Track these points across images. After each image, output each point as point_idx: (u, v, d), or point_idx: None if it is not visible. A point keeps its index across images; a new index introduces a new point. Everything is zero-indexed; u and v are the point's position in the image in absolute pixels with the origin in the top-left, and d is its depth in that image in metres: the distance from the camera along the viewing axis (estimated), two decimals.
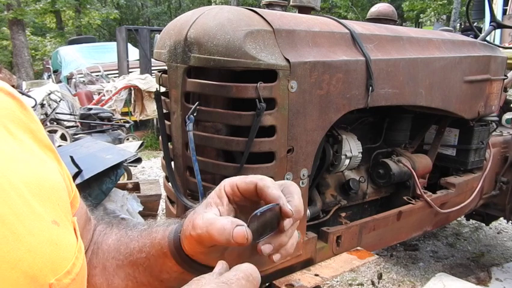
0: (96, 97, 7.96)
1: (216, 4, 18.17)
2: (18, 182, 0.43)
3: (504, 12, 6.89)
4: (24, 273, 0.38)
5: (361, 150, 1.65)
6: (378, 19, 1.87)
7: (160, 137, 1.51)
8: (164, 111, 1.44)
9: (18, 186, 0.42)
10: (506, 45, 3.78)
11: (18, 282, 0.38)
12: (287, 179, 1.31)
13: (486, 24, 6.62)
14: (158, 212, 3.19)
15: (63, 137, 5.44)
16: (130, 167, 4.01)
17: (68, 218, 0.50)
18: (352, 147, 1.61)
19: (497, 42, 5.45)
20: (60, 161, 0.57)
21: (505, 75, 2.31)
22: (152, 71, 7.98)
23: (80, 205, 0.64)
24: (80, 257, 0.48)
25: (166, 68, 1.38)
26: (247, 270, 0.45)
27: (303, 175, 1.36)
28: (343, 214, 1.69)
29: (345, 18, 17.16)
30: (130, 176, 3.79)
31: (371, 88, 1.45)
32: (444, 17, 19.89)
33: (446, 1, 17.43)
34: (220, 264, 0.48)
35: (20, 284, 0.38)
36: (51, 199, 0.47)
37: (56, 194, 0.48)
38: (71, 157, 2.40)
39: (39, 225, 0.42)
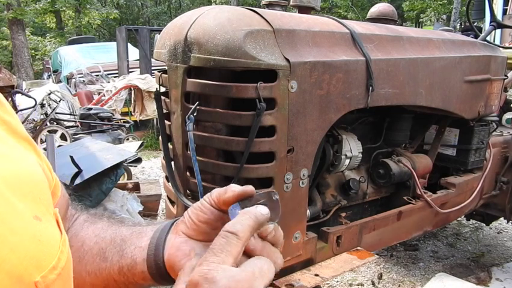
0: (96, 97, 7.96)
1: (216, 4, 18.17)
2: None
3: (504, 12, 6.89)
4: (9, 273, 0.38)
5: (361, 150, 1.65)
6: (378, 19, 1.87)
7: (160, 137, 1.51)
8: (164, 111, 1.44)
9: None
10: (506, 45, 3.78)
11: (3, 283, 0.37)
12: (287, 179, 1.31)
13: (486, 24, 6.62)
14: (158, 212, 3.19)
15: (63, 137, 5.44)
16: (130, 167, 4.01)
17: (50, 211, 0.49)
18: (352, 147, 1.61)
19: (497, 42, 5.45)
20: (38, 151, 0.56)
21: (505, 75, 2.31)
22: (152, 71, 7.97)
23: (62, 193, 0.63)
24: (65, 250, 0.47)
25: (166, 68, 1.38)
26: (225, 229, 0.49)
27: (303, 175, 1.36)
28: (343, 214, 1.69)
29: (345, 18, 17.16)
30: (130, 176, 3.79)
31: (371, 88, 1.45)
32: (444, 17, 19.89)
33: (446, 1, 17.44)
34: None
35: (5, 285, 0.37)
36: (32, 193, 0.46)
37: (37, 187, 0.47)
38: (71, 157, 2.40)
39: (21, 222, 0.41)
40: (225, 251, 0.46)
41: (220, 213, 0.57)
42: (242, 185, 0.56)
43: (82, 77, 9.46)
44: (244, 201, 0.55)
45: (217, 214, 0.57)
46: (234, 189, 0.55)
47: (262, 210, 0.52)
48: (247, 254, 0.50)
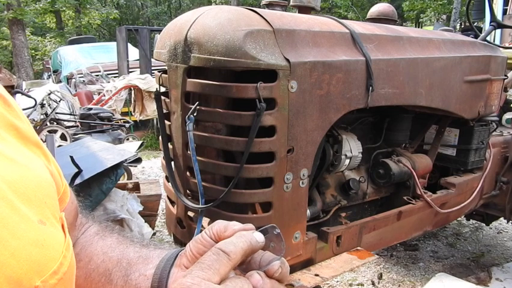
0: (96, 97, 7.96)
1: (216, 4, 18.17)
2: (1, 182, 0.42)
3: (504, 12, 6.89)
4: (8, 278, 0.38)
5: (361, 150, 1.65)
6: (378, 19, 1.87)
7: (160, 137, 1.51)
8: (164, 111, 1.44)
9: (1, 187, 0.41)
10: (506, 45, 3.79)
11: (2, 287, 0.37)
12: (287, 179, 1.31)
13: (486, 24, 6.62)
14: (158, 212, 3.19)
15: (63, 137, 5.44)
16: (130, 167, 4.01)
17: (55, 216, 0.49)
18: (352, 147, 1.61)
19: (497, 42, 5.45)
20: (49, 157, 0.56)
21: (505, 75, 2.31)
22: (152, 71, 7.98)
23: (70, 200, 0.63)
24: (68, 255, 0.47)
25: (166, 68, 1.38)
26: (218, 246, 0.49)
27: (303, 175, 1.35)
28: (343, 214, 1.69)
29: (345, 18, 17.16)
30: (130, 176, 3.79)
31: (371, 88, 1.45)
32: (444, 17, 19.91)
33: (446, 1, 17.45)
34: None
35: None
36: (38, 197, 0.46)
37: (43, 191, 0.47)
38: (71, 157, 2.40)
39: (24, 226, 0.41)
40: (213, 268, 0.47)
41: None
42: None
43: (82, 77, 9.46)
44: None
45: None
46: (233, 227, 0.55)
47: (257, 237, 0.52)
48: None
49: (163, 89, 1.45)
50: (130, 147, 4.19)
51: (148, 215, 2.90)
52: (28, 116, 5.39)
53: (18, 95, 5.44)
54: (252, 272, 0.51)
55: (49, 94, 6.32)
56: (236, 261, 0.49)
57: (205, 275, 0.46)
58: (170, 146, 1.44)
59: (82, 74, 9.59)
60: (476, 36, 2.79)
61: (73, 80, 9.54)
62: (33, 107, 5.60)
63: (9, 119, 0.50)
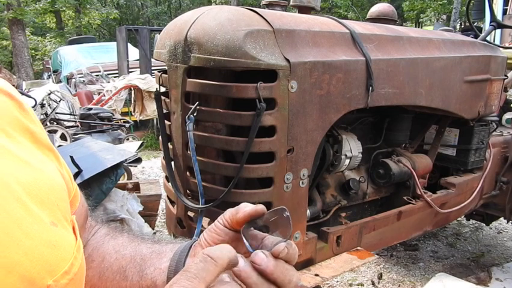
0: (96, 97, 7.96)
1: (216, 4, 18.17)
2: (15, 184, 0.43)
3: (504, 12, 6.89)
4: (22, 276, 0.39)
5: (361, 150, 1.65)
6: (378, 19, 1.87)
7: (160, 137, 1.51)
8: (164, 111, 1.44)
9: (15, 188, 0.42)
10: (506, 45, 3.79)
11: (15, 285, 0.38)
12: (287, 179, 1.31)
13: (486, 24, 6.62)
14: (158, 212, 3.19)
15: (63, 137, 5.44)
16: (130, 167, 4.01)
17: (67, 218, 0.50)
18: (352, 147, 1.61)
19: (497, 42, 5.45)
20: (60, 160, 0.57)
21: (505, 75, 2.31)
22: (152, 71, 7.98)
23: (81, 203, 0.64)
24: (79, 256, 0.48)
25: (166, 68, 1.38)
26: (205, 252, 0.47)
27: (303, 175, 1.35)
28: (343, 214, 1.69)
29: (345, 18, 17.16)
30: (130, 176, 3.78)
31: (371, 88, 1.45)
32: (444, 17, 19.92)
33: (446, 1, 17.46)
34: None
35: None
36: (50, 200, 0.47)
37: (55, 194, 0.49)
38: (71, 157, 2.40)
39: (37, 227, 0.42)
40: (199, 277, 0.46)
41: (234, 233, 0.57)
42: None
43: (82, 77, 9.46)
44: (255, 220, 0.55)
45: (231, 235, 0.57)
46: (245, 209, 0.55)
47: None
48: (261, 274, 0.49)
49: (163, 89, 1.45)
50: (130, 147, 4.19)
51: (148, 215, 2.90)
52: None
53: None
54: (257, 251, 0.51)
55: (49, 94, 6.32)
56: (223, 268, 0.48)
57: (191, 284, 0.45)
58: (170, 146, 1.44)
59: (82, 74, 9.58)
60: (476, 36, 2.79)
61: (73, 80, 9.54)
62: (33, 107, 5.59)
63: (25, 123, 0.52)
